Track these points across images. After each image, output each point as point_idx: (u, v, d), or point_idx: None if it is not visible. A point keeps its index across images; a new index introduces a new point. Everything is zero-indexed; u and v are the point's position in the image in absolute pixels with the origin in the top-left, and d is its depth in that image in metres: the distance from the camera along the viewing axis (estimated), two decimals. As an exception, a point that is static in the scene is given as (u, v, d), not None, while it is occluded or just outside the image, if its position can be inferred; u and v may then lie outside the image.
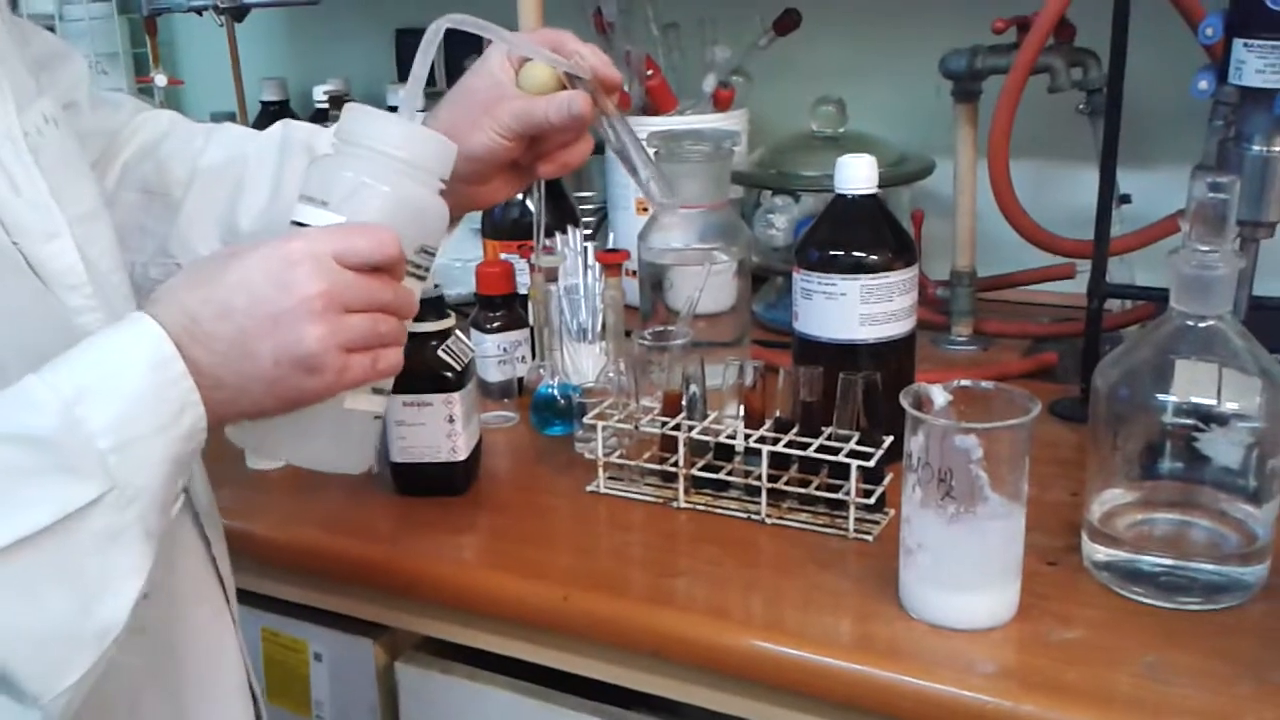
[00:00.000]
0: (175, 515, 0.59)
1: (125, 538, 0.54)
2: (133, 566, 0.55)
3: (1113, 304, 1.16)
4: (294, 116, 1.70)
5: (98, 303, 0.65)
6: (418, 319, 0.93)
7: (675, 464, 0.92)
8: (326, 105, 1.59)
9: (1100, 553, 0.78)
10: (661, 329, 0.99)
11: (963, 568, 0.74)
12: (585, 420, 0.96)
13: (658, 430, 0.93)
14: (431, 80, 1.80)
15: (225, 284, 0.59)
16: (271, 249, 0.60)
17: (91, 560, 0.53)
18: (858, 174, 0.93)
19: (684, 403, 0.93)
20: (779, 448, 0.88)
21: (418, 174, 0.66)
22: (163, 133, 0.84)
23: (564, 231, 1.13)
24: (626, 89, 1.34)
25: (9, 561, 0.50)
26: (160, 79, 1.72)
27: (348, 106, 0.67)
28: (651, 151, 1.10)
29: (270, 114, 1.69)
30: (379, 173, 0.64)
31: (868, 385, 0.87)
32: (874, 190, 0.94)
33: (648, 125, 1.30)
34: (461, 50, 1.58)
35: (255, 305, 0.58)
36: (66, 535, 0.52)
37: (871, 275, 0.92)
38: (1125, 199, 1.19)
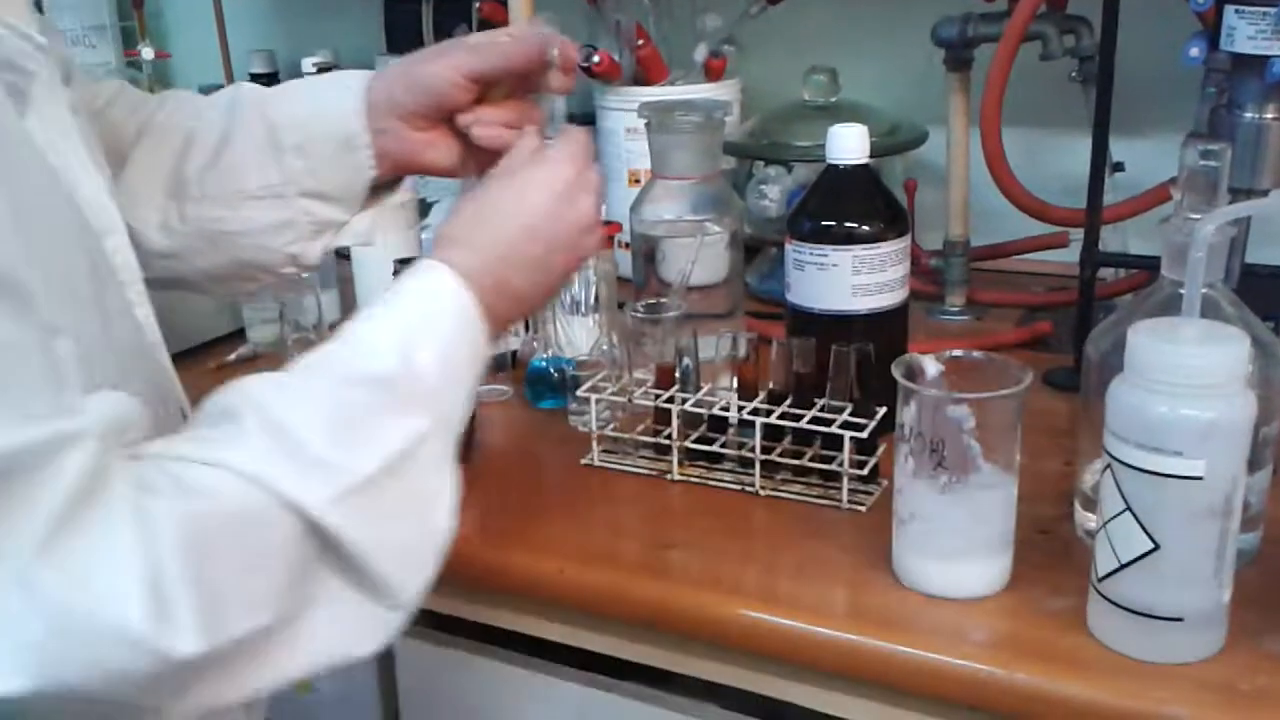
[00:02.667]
0: None
1: (446, 459, 0.63)
2: (453, 480, 0.63)
3: (1107, 273, 1.16)
4: (282, 88, 1.70)
5: (145, 296, 0.67)
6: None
7: (669, 436, 0.92)
8: (314, 74, 1.58)
9: (1092, 521, 0.78)
10: (654, 301, 0.99)
11: (955, 537, 0.74)
12: (578, 393, 0.96)
13: (651, 403, 0.93)
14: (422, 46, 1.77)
15: (524, 214, 0.70)
16: (548, 182, 0.71)
17: (430, 479, 0.62)
18: (849, 144, 0.93)
19: (677, 375, 0.93)
20: (772, 419, 0.88)
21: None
22: (108, 99, 0.83)
23: (556, 204, 1.12)
24: (617, 59, 1.33)
25: (380, 484, 0.58)
26: (148, 52, 1.71)
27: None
28: (642, 122, 1.10)
29: (261, 84, 1.68)
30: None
31: (861, 356, 0.87)
32: (866, 160, 0.94)
33: (639, 95, 1.29)
34: (451, 20, 1.57)
35: (554, 227, 0.70)
36: (415, 459, 0.60)
37: (864, 246, 0.92)
38: (1118, 167, 1.19)
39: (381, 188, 0.82)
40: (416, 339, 0.63)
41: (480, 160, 0.79)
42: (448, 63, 0.77)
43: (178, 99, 0.86)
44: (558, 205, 0.70)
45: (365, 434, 0.59)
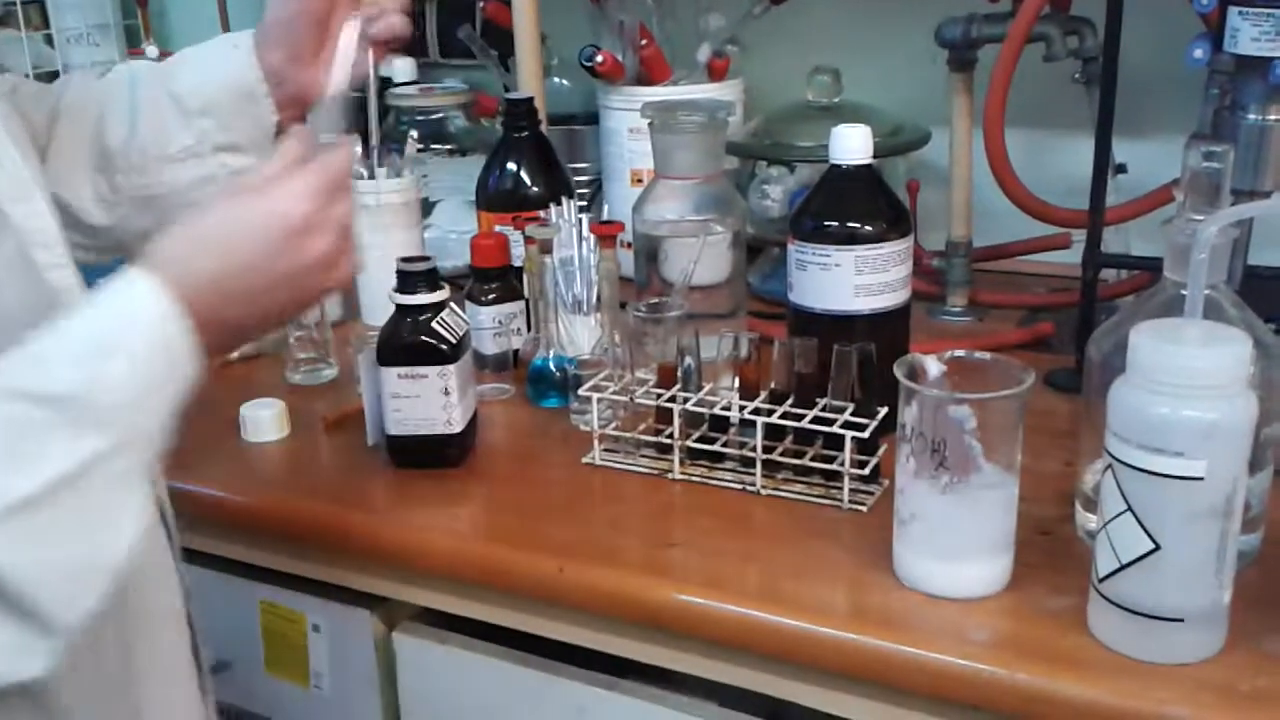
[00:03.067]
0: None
1: (132, 480, 0.60)
2: (139, 504, 0.61)
3: (1109, 273, 1.16)
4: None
5: (66, 260, 0.69)
6: (411, 291, 0.93)
7: (670, 436, 0.92)
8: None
9: (1092, 521, 0.78)
10: (656, 301, 0.99)
11: (956, 537, 0.74)
12: (580, 392, 0.96)
13: (653, 402, 0.93)
14: (424, 50, 1.79)
15: (244, 248, 0.66)
16: (277, 216, 0.66)
17: (106, 501, 0.59)
18: (852, 144, 0.93)
19: (679, 374, 0.93)
20: (774, 419, 0.88)
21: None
22: (11, 87, 0.86)
23: (558, 203, 1.13)
24: (620, 59, 1.33)
25: (40, 506, 0.56)
26: (152, 50, 1.71)
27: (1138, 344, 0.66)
28: (645, 122, 1.11)
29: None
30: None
31: (862, 356, 0.87)
32: (869, 160, 0.94)
33: (642, 95, 1.29)
34: (455, 21, 1.58)
35: (274, 267, 0.66)
36: (87, 480, 0.58)
37: (866, 246, 0.92)
38: (1121, 168, 1.19)
39: (283, 128, 0.87)
40: (107, 351, 0.60)
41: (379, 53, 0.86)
42: None
43: (76, 83, 0.90)
44: (283, 245, 0.66)
45: (30, 452, 0.56)
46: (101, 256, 0.92)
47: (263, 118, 0.84)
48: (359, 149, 0.89)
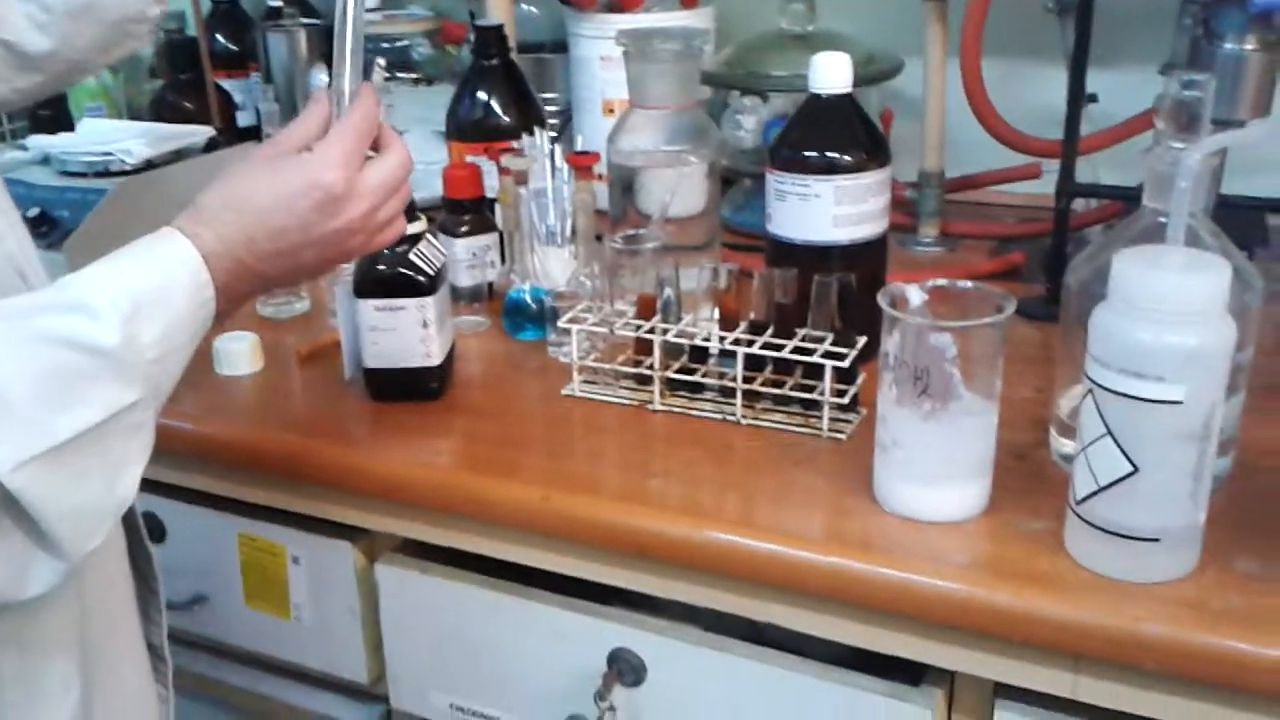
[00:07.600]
0: None
1: (146, 427, 0.64)
2: (146, 447, 0.65)
3: (1078, 203, 1.17)
4: (245, 15, 1.66)
5: (16, 221, 0.69)
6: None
7: (650, 367, 0.92)
8: (280, 3, 1.55)
9: (1067, 446, 0.80)
10: (633, 233, 0.98)
11: (937, 463, 0.76)
12: (560, 324, 0.96)
13: (632, 334, 0.93)
14: None
15: (280, 210, 0.70)
16: (315, 186, 0.71)
17: (121, 447, 0.62)
18: (833, 74, 0.93)
19: (659, 306, 0.93)
20: (754, 349, 0.89)
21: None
22: None
23: (530, 133, 1.11)
24: (591, -13, 1.31)
25: (66, 451, 0.59)
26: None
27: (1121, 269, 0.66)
28: (617, 51, 1.09)
29: (221, 13, 1.64)
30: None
31: (842, 286, 0.88)
32: (849, 90, 0.93)
33: (614, 23, 1.28)
34: None
35: (308, 229, 0.71)
36: (109, 428, 0.61)
37: (846, 176, 0.92)
38: (1092, 98, 1.19)
39: None
40: (145, 313, 0.62)
41: None
42: None
43: None
44: (315, 213, 0.71)
45: (71, 397, 0.59)
46: (59, 87, 0.95)
47: None
48: (378, 75, 0.92)
